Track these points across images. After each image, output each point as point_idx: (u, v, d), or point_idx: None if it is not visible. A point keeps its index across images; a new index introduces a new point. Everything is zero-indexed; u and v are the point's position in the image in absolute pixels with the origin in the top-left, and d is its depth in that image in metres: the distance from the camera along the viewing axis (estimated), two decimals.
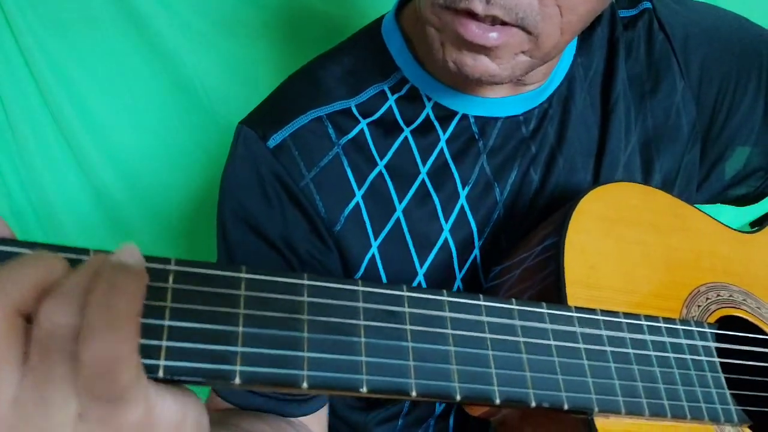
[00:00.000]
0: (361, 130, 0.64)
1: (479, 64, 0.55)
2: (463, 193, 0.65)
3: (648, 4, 0.73)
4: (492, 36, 0.52)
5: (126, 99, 1.07)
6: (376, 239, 0.64)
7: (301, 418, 0.67)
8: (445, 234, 0.65)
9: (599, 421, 0.48)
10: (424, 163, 0.65)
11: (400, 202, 0.64)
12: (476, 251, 0.66)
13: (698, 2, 0.76)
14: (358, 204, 0.64)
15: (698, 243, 0.62)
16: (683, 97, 0.71)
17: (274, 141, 0.63)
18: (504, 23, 0.52)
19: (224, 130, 1.06)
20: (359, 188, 0.64)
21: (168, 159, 1.10)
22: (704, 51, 0.71)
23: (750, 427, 0.55)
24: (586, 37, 0.71)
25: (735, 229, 0.66)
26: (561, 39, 0.55)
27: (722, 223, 0.66)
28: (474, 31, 0.52)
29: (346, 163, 0.64)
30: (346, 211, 0.63)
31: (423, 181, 0.65)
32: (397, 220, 0.64)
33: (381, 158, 0.64)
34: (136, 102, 1.07)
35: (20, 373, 0.30)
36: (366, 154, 0.64)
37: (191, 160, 1.11)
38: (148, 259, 0.37)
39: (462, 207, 0.65)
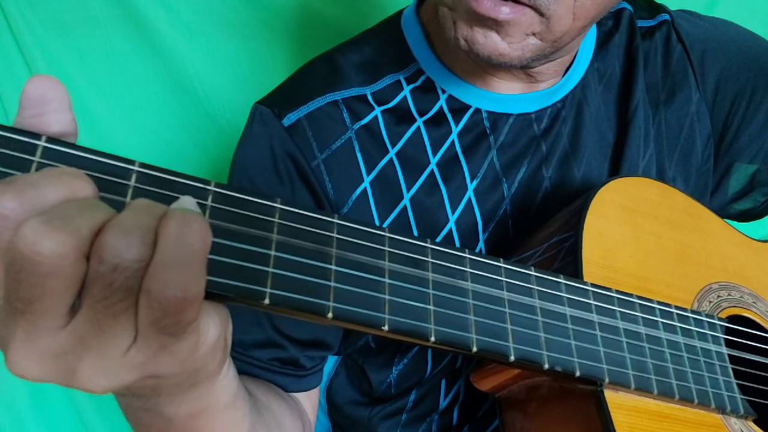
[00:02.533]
0: (375, 117, 0.68)
1: (489, 42, 0.58)
2: (470, 186, 0.69)
3: (666, 16, 0.78)
4: (503, 10, 0.55)
5: (126, 99, 1.10)
6: (381, 225, 0.67)
7: (295, 394, 0.69)
8: (450, 225, 0.68)
9: (608, 395, 0.51)
10: (434, 153, 0.68)
11: (408, 190, 0.68)
12: (481, 244, 0.69)
13: (716, 18, 0.81)
14: (365, 189, 0.67)
15: (711, 243, 0.66)
16: (698, 110, 0.75)
17: (289, 120, 0.66)
18: (516, 1, 0.55)
19: (223, 130, 1.11)
20: (368, 174, 0.67)
21: (167, 159, 1.13)
22: (721, 65, 0.76)
23: (755, 421, 0.58)
24: (603, 43, 0.75)
25: (747, 236, 0.70)
26: (573, 25, 0.58)
27: (735, 229, 0.69)
28: (486, 4, 0.55)
29: (357, 148, 0.67)
30: (354, 196, 0.67)
31: (432, 171, 0.68)
32: (404, 208, 0.68)
33: (392, 146, 0.68)
34: (136, 102, 1.10)
35: (69, 311, 0.32)
36: (378, 141, 0.68)
37: (190, 160, 1.14)
38: (190, 177, 0.40)
39: (469, 199, 0.68)
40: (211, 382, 0.42)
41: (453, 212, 0.68)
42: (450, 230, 0.68)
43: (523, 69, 0.67)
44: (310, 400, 0.71)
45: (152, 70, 1.09)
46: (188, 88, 1.10)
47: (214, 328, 0.38)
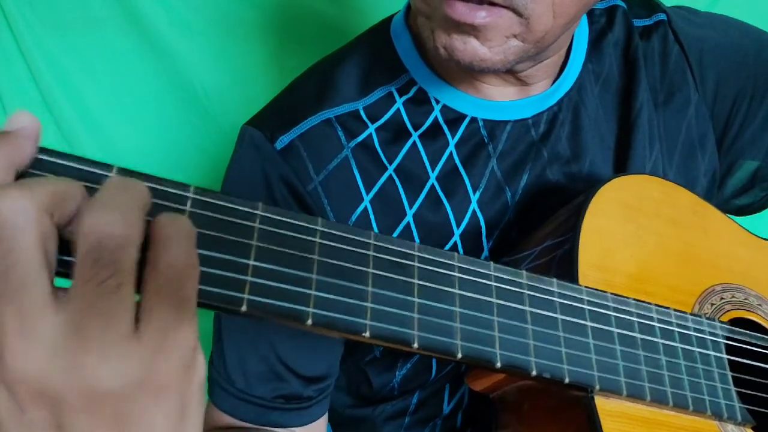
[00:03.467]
0: (370, 135, 0.67)
1: (469, 48, 0.57)
2: (474, 198, 0.68)
3: (663, 16, 0.77)
4: (479, 14, 0.54)
5: (126, 99, 1.12)
6: None
7: (300, 429, 0.69)
8: (455, 239, 0.68)
9: (599, 401, 0.51)
10: (433, 168, 0.68)
11: (411, 206, 0.67)
12: (485, 253, 0.69)
13: (714, 14, 0.81)
14: (366, 209, 0.66)
15: (716, 243, 0.66)
16: (697, 110, 0.75)
17: (281, 143, 0.65)
18: (492, 3, 0.55)
19: (222, 130, 1.13)
20: (368, 192, 0.67)
21: (167, 159, 1.15)
22: (721, 64, 0.76)
23: (753, 428, 0.58)
24: (596, 42, 0.75)
25: (755, 235, 0.69)
26: (554, 23, 0.58)
27: (742, 227, 0.69)
28: (460, 9, 0.55)
29: (355, 166, 0.66)
30: (354, 216, 0.66)
31: (433, 186, 0.68)
32: (407, 225, 0.67)
33: (390, 163, 0.67)
34: (136, 102, 1.13)
35: (51, 284, 0.33)
36: (375, 158, 0.67)
37: (189, 160, 1.16)
38: (169, 183, 0.41)
39: (474, 211, 0.68)
40: None
41: (458, 226, 0.68)
42: (455, 243, 0.68)
43: (511, 73, 0.66)
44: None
45: (152, 70, 1.12)
46: (188, 88, 1.12)
47: (203, 366, 0.38)
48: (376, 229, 0.66)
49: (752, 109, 0.75)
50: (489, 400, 0.61)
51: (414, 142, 0.68)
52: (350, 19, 1.12)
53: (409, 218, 0.67)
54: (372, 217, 0.66)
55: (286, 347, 0.65)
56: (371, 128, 0.67)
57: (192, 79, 1.11)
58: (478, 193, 0.68)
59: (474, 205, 0.68)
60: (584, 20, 0.74)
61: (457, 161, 0.68)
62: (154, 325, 0.34)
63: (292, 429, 0.68)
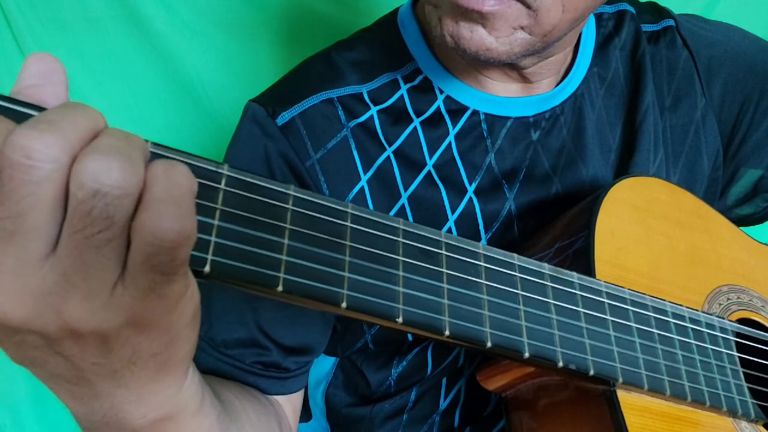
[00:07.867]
0: (371, 116, 0.66)
1: (476, 37, 0.56)
2: (470, 189, 0.67)
3: (671, 22, 0.76)
4: (488, 2, 0.53)
5: (126, 99, 1.09)
6: None
7: (277, 397, 0.67)
8: (450, 224, 0.66)
9: (621, 395, 0.49)
10: (431, 155, 0.67)
11: (406, 189, 0.66)
12: (483, 243, 0.67)
13: (723, 23, 0.80)
14: (363, 188, 0.65)
15: (720, 245, 0.65)
16: (704, 116, 0.74)
17: (283, 119, 0.64)
18: None
19: (223, 130, 1.10)
20: (365, 172, 0.65)
21: None
22: (728, 71, 0.75)
23: (765, 425, 0.57)
24: (603, 45, 0.74)
25: (756, 240, 0.69)
26: (563, 17, 0.56)
27: (744, 232, 0.68)
28: None
29: (353, 146, 0.65)
30: (351, 195, 0.65)
31: (429, 172, 0.66)
32: (402, 207, 0.66)
33: (389, 145, 0.66)
34: (136, 102, 1.10)
35: (57, 235, 0.31)
36: (375, 139, 0.66)
37: None
38: (203, 159, 0.38)
39: (470, 200, 0.67)
40: (178, 375, 0.39)
41: (453, 212, 0.66)
42: (450, 229, 0.67)
43: (515, 68, 0.65)
44: (291, 404, 0.68)
45: (152, 70, 1.09)
46: (188, 88, 1.09)
47: (197, 294, 0.36)
48: (372, 209, 0.65)
49: (757, 118, 0.75)
50: (498, 400, 0.59)
51: (415, 128, 0.66)
52: (353, 20, 1.10)
53: (404, 200, 0.66)
54: (369, 196, 0.65)
55: (268, 315, 0.63)
56: (373, 110, 0.66)
57: (192, 79, 1.08)
58: (474, 185, 0.67)
59: (470, 194, 0.67)
60: (592, 23, 0.74)
61: (455, 152, 0.67)
62: (140, 286, 0.32)
63: (270, 396, 0.66)
